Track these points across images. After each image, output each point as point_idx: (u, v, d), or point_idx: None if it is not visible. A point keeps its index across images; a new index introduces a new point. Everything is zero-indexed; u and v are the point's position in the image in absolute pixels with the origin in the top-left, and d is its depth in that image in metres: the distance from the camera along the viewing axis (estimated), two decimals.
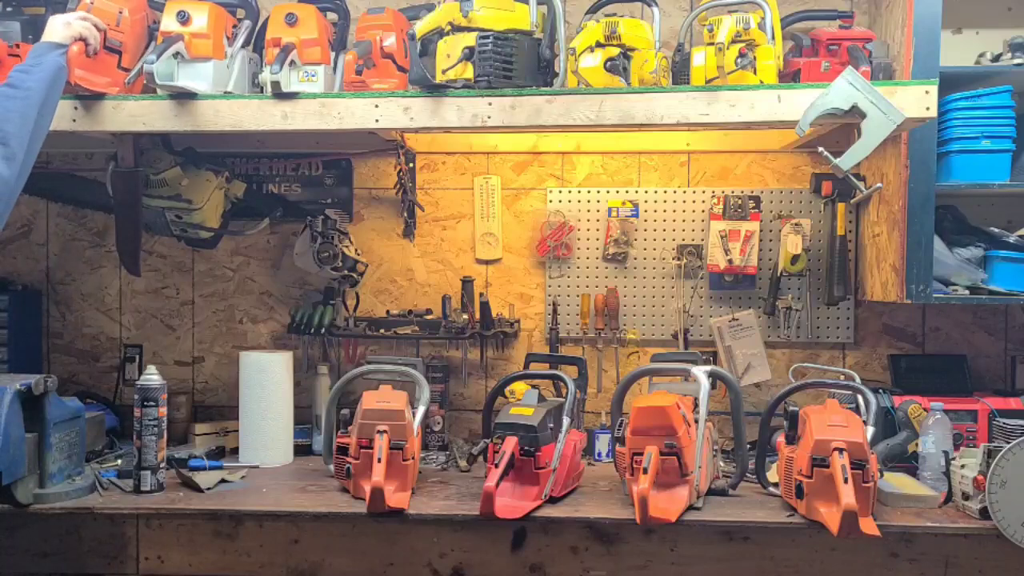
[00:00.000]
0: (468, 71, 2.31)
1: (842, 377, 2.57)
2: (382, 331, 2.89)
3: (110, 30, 2.31)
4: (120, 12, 2.35)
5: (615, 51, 2.32)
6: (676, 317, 2.93)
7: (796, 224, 2.84)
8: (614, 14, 2.43)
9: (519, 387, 2.61)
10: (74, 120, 2.34)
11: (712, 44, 2.30)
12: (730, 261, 2.85)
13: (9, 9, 2.60)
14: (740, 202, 2.86)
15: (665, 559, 2.13)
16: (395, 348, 2.97)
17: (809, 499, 2.07)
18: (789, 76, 2.48)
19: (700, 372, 2.33)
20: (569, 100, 2.25)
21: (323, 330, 2.87)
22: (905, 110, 2.15)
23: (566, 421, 2.29)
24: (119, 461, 2.57)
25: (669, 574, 2.13)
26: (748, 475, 2.38)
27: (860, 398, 2.30)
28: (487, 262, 3.00)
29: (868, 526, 1.96)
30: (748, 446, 2.40)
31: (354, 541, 2.17)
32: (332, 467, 2.44)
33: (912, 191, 2.44)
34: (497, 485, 2.07)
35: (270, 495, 2.31)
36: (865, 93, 2.14)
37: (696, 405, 2.29)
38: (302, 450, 2.77)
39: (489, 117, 2.27)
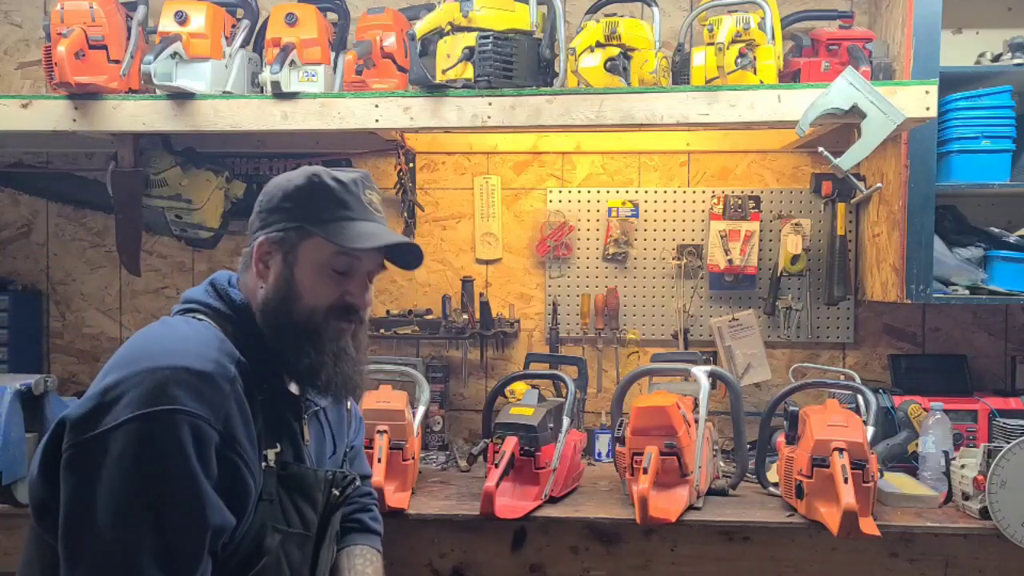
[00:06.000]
0: (468, 71, 2.31)
1: (842, 377, 2.57)
2: (382, 331, 2.88)
3: (88, 28, 2.31)
4: (91, 7, 2.34)
5: (615, 51, 2.32)
6: (676, 317, 2.93)
7: (796, 224, 2.84)
8: (614, 14, 2.43)
9: (519, 387, 2.61)
10: (74, 120, 2.34)
11: (712, 44, 2.30)
12: (730, 261, 2.84)
13: None
14: (740, 202, 2.86)
15: (665, 559, 2.13)
16: (395, 348, 2.97)
17: (809, 499, 2.07)
18: (789, 76, 2.48)
19: (700, 372, 2.33)
20: (569, 100, 2.25)
21: None
22: (905, 110, 2.15)
23: (566, 421, 2.29)
24: None
25: (669, 574, 2.13)
26: (748, 475, 2.37)
27: (860, 398, 2.30)
28: (487, 262, 3.00)
29: (868, 526, 1.96)
30: (748, 446, 2.40)
31: None
32: None
33: (912, 191, 2.44)
34: (497, 485, 2.07)
35: None
36: (865, 93, 2.14)
37: (696, 405, 2.29)
38: None
39: (489, 117, 2.26)
